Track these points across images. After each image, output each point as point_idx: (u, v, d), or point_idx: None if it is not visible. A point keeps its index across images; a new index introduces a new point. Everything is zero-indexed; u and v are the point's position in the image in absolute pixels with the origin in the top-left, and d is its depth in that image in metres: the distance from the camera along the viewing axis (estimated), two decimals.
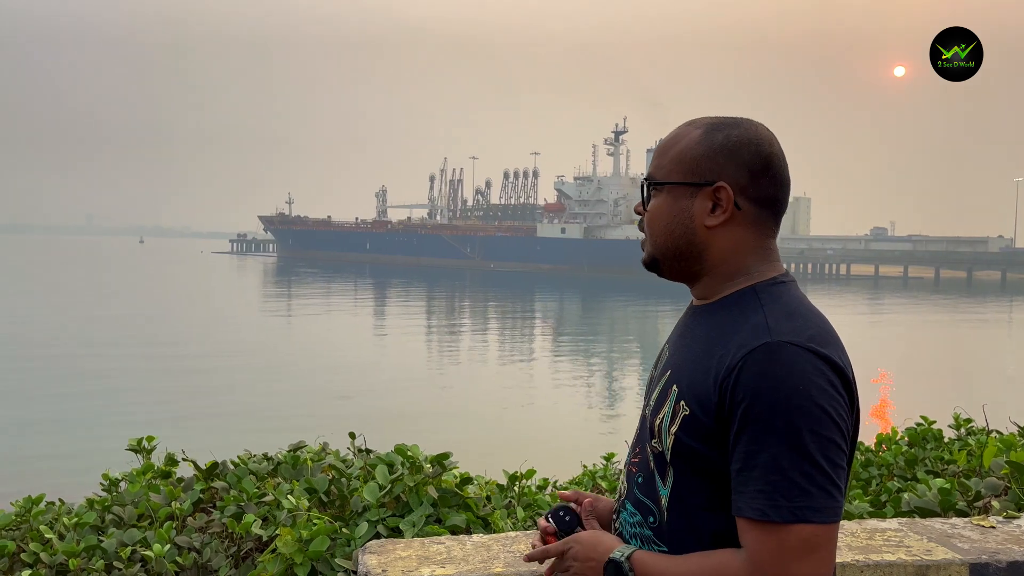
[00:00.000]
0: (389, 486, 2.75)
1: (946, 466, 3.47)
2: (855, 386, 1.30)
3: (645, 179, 1.45)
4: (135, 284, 64.68)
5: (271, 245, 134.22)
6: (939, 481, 3.02)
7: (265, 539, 2.74)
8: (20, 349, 27.68)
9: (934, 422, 3.88)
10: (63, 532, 2.97)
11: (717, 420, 1.26)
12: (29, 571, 2.74)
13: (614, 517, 1.48)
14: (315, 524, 2.54)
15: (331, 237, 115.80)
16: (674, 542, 1.33)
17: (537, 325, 44.58)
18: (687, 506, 1.32)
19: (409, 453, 2.91)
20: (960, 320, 48.08)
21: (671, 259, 1.41)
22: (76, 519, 3.00)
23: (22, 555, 2.88)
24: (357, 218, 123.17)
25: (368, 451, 3.41)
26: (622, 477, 1.49)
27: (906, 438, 3.81)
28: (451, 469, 2.90)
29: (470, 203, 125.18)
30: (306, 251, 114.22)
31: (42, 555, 2.80)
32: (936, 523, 2.45)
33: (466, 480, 2.92)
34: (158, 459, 3.61)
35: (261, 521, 2.79)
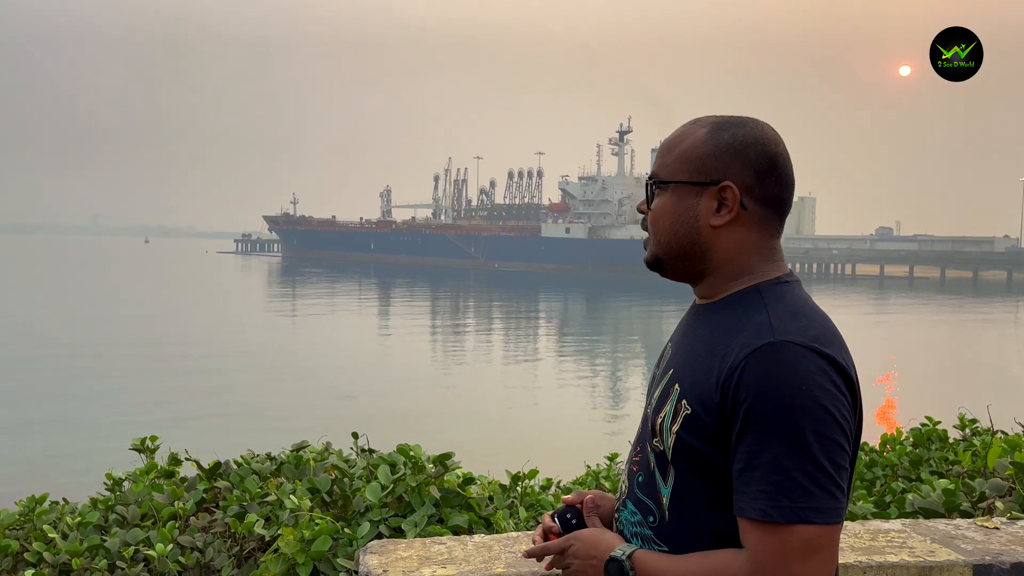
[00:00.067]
0: (391, 486, 2.75)
1: (951, 467, 3.45)
2: (858, 387, 1.29)
3: (649, 178, 1.43)
4: (140, 284, 64.83)
5: (276, 245, 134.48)
6: (943, 482, 3.01)
7: (268, 539, 2.74)
8: (24, 349, 27.77)
9: (939, 422, 3.87)
10: (66, 531, 2.98)
11: (719, 420, 1.26)
12: (32, 570, 2.75)
13: (615, 516, 1.48)
14: (317, 524, 2.54)
15: (335, 237, 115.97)
16: (675, 542, 1.33)
17: (541, 325, 44.58)
18: (688, 505, 1.32)
19: (412, 453, 2.91)
20: (966, 320, 47.96)
21: (675, 258, 1.40)
22: (79, 518, 3.00)
23: (25, 554, 2.89)
24: (361, 218, 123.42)
25: (371, 451, 3.41)
26: (623, 476, 1.49)
27: (911, 439, 3.80)
28: (454, 469, 2.90)
29: (474, 203, 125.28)
30: (311, 251, 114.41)
31: (45, 554, 2.80)
32: (940, 524, 2.44)
33: (468, 480, 2.92)
34: (161, 459, 3.62)
35: (264, 521, 2.79)
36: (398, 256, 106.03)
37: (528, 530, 2.68)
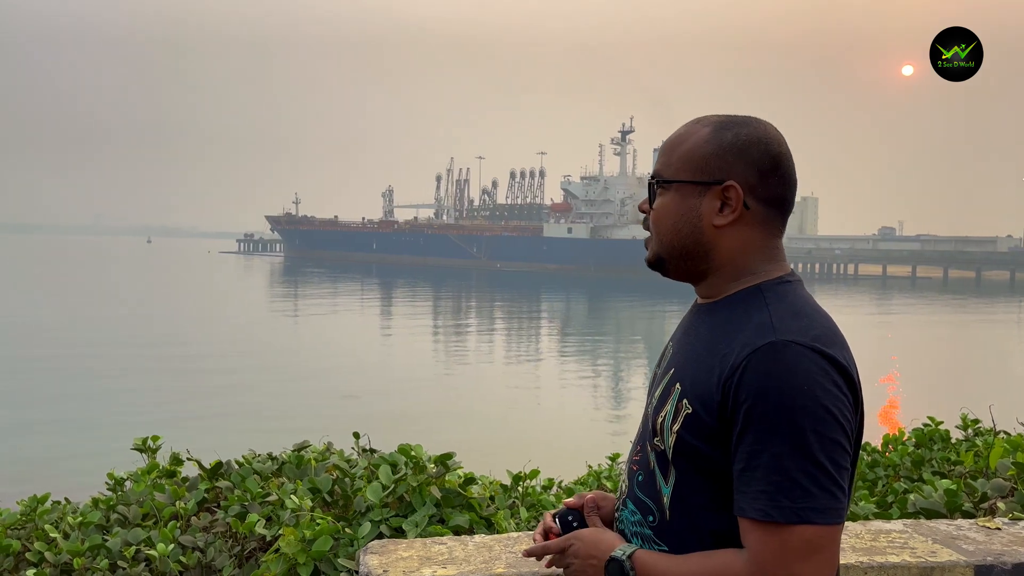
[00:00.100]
0: (392, 486, 2.75)
1: (953, 467, 3.45)
2: (860, 387, 1.29)
3: (652, 177, 1.43)
4: (142, 284, 64.91)
5: (278, 245, 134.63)
6: (945, 482, 3.00)
7: (269, 539, 2.74)
8: (26, 349, 27.81)
9: (941, 423, 3.86)
10: (68, 531, 2.98)
11: (720, 419, 1.25)
12: (34, 570, 2.75)
13: (616, 515, 1.47)
14: (318, 524, 2.54)
15: (338, 237, 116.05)
16: (675, 541, 1.33)
17: (543, 325, 44.58)
18: (688, 505, 1.31)
19: (413, 453, 2.91)
20: (969, 320, 47.89)
21: (677, 258, 1.39)
22: (81, 518, 3.00)
23: (27, 554, 2.89)
24: (364, 218, 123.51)
25: (372, 451, 3.41)
26: (623, 475, 1.49)
27: (913, 439, 3.79)
28: (455, 469, 2.90)
29: (476, 203, 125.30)
30: (313, 251, 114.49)
31: (47, 554, 2.80)
32: (941, 524, 2.43)
33: (470, 480, 2.92)
34: (163, 458, 3.62)
35: (265, 521, 2.79)
36: (400, 256, 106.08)
37: (529, 530, 2.67)
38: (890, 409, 19.27)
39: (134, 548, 2.77)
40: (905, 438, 3.85)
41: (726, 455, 1.26)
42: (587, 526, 1.46)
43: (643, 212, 1.45)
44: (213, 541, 2.79)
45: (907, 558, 2.12)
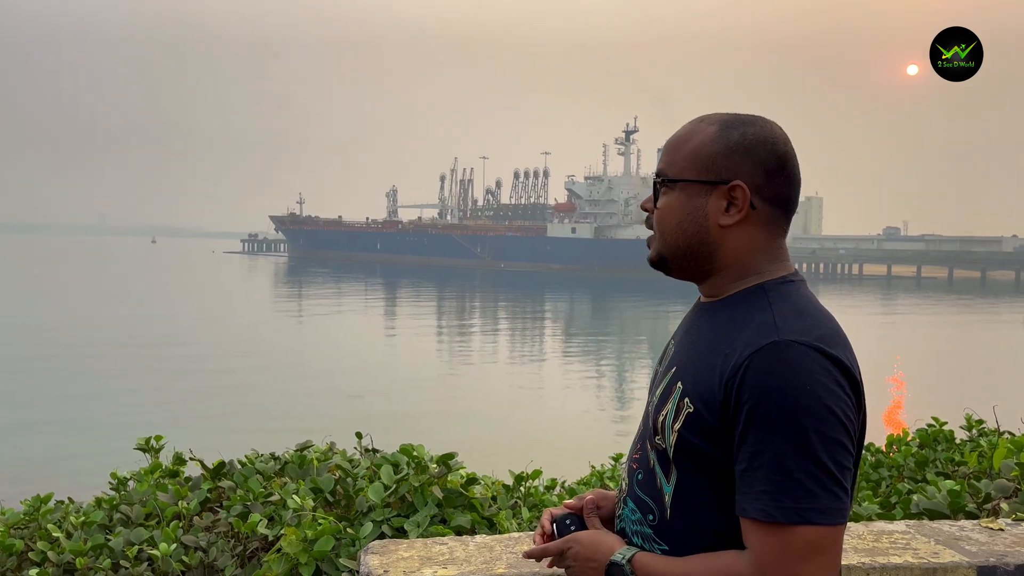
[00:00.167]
0: (394, 486, 2.75)
1: (956, 467, 3.44)
2: (862, 387, 1.28)
3: (657, 176, 1.41)
4: (147, 284, 65.05)
5: (282, 245, 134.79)
6: (949, 483, 2.99)
7: (271, 539, 2.74)
8: (30, 349, 27.89)
9: (945, 423, 3.85)
10: (71, 531, 2.99)
11: (722, 419, 1.25)
12: (37, 570, 2.76)
13: (616, 513, 1.47)
14: (320, 524, 2.54)
15: (342, 237, 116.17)
16: (676, 541, 1.32)
17: (547, 325, 44.57)
18: (689, 504, 1.31)
19: (415, 453, 2.91)
20: (974, 320, 47.77)
21: (681, 257, 1.38)
22: (84, 518, 3.01)
23: (30, 554, 2.90)
24: (368, 218, 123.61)
25: (375, 451, 3.41)
26: (623, 473, 1.48)
27: (917, 439, 3.78)
28: (457, 469, 2.90)
29: (480, 203, 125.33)
30: (317, 251, 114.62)
31: (50, 554, 2.81)
32: (944, 525, 2.43)
33: (472, 480, 2.92)
34: (166, 458, 3.63)
35: (267, 521, 2.79)
36: (404, 256, 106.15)
37: (531, 531, 2.67)
38: (894, 409, 19.23)
39: (136, 548, 2.77)
40: (909, 439, 3.84)
41: (728, 454, 1.25)
42: (587, 528, 1.46)
43: (646, 211, 1.44)
44: (215, 541, 2.79)
45: (909, 559, 2.11)
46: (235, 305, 47.77)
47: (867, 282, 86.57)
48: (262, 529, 2.71)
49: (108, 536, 2.89)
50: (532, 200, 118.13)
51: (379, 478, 2.80)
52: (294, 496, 2.74)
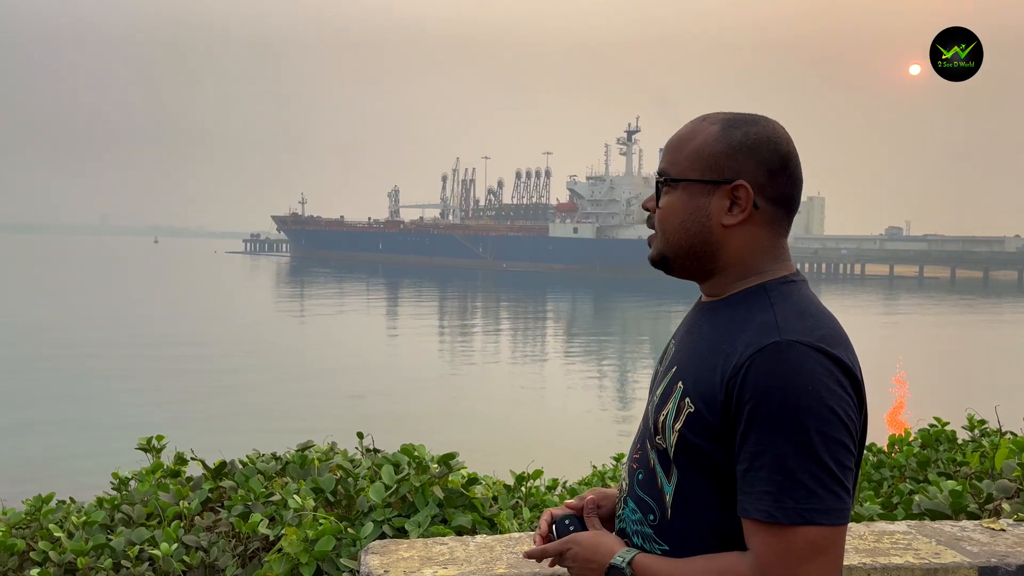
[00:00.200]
0: (395, 486, 2.75)
1: (958, 468, 3.43)
2: (864, 388, 1.28)
3: (659, 175, 1.40)
4: (149, 284, 65.12)
5: (284, 245, 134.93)
6: (950, 483, 2.99)
7: (272, 539, 2.74)
8: (33, 349, 27.92)
9: (947, 423, 3.85)
10: (72, 531, 2.99)
11: (723, 419, 1.24)
12: (38, 569, 2.76)
13: (617, 513, 1.47)
14: (321, 524, 2.54)
15: (344, 237, 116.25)
16: (677, 541, 1.32)
17: (549, 325, 44.57)
18: (690, 504, 1.30)
19: (416, 453, 2.91)
20: (976, 321, 47.71)
21: (684, 257, 1.38)
22: (85, 518, 3.01)
23: (31, 553, 2.90)
24: (370, 218, 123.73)
25: (376, 451, 3.41)
26: (624, 473, 1.48)
27: (919, 440, 3.77)
28: (458, 469, 2.90)
29: (482, 203, 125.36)
30: (319, 251, 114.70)
31: (51, 553, 2.81)
32: (946, 526, 2.42)
33: (473, 480, 2.92)
34: (168, 458, 3.63)
35: (268, 521, 2.79)
36: (406, 256, 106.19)
37: (532, 531, 2.67)
38: (897, 409, 19.21)
39: (138, 548, 2.77)
40: (911, 439, 3.83)
41: (729, 454, 1.25)
42: (586, 528, 1.46)
43: (647, 210, 1.44)
44: (216, 541, 2.79)
45: (911, 559, 2.11)
46: (237, 305, 47.81)
47: (869, 282, 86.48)
48: (263, 529, 2.71)
49: (109, 536, 2.89)
50: (534, 200, 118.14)
51: (380, 478, 2.80)
52: (295, 496, 2.74)
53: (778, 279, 1.34)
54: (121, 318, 38.31)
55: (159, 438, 3.72)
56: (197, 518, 2.98)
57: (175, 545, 2.72)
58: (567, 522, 1.45)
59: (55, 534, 2.93)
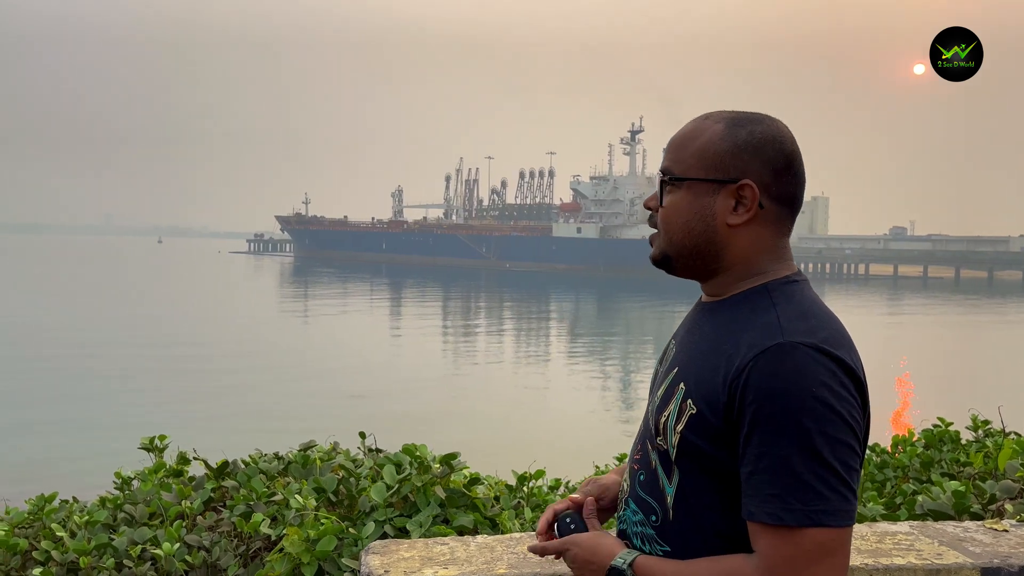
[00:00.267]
0: (396, 486, 2.75)
1: (962, 468, 3.42)
2: (867, 389, 1.28)
3: (663, 173, 1.39)
4: (152, 284, 65.23)
5: (288, 245, 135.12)
6: (953, 484, 2.98)
7: (274, 538, 2.74)
8: (35, 349, 27.99)
9: (951, 424, 3.83)
10: (75, 530, 2.99)
11: (726, 420, 1.24)
12: (41, 569, 2.77)
13: (618, 513, 1.46)
14: (323, 524, 2.54)
15: (347, 237, 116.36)
16: (678, 542, 1.31)
17: (553, 325, 44.56)
18: (692, 505, 1.30)
19: (417, 453, 2.91)
20: (981, 321, 47.60)
21: (687, 256, 1.37)
22: (87, 517, 3.02)
23: (34, 553, 2.90)
24: (373, 218, 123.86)
25: (378, 451, 3.41)
26: (625, 474, 1.47)
27: (922, 440, 3.76)
28: (460, 469, 2.89)
29: (486, 203, 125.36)
30: (322, 251, 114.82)
31: (53, 553, 2.82)
32: (948, 526, 2.42)
33: (474, 480, 2.92)
34: (170, 458, 3.63)
35: (270, 520, 2.79)
36: (410, 256, 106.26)
37: (533, 531, 2.67)
38: (900, 410, 19.17)
39: (140, 547, 2.77)
40: (915, 439, 3.82)
41: (731, 455, 1.24)
42: (587, 529, 1.45)
43: (649, 209, 1.42)
44: (218, 540, 2.79)
45: (913, 560, 2.10)
46: (240, 305, 47.87)
47: (873, 282, 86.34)
48: (265, 529, 2.71)
49: (112, 535, 2.90)
50: (537, 200, 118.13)
51: (382, 478, 2.80)
52: (297, 496, 2.74)
53: (780, 279, 1.33)
54: (124, 318, 38.38)
55: (162, 438, 3.72)
56: (199, 518, 2.98)
57: (177, 545, 2.72)
58: (568, 521, 1.45)
59: (58, 533, 2.93)
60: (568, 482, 3.87)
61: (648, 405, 1.43)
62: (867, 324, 40.12)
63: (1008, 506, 2.79)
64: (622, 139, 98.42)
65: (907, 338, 38.28)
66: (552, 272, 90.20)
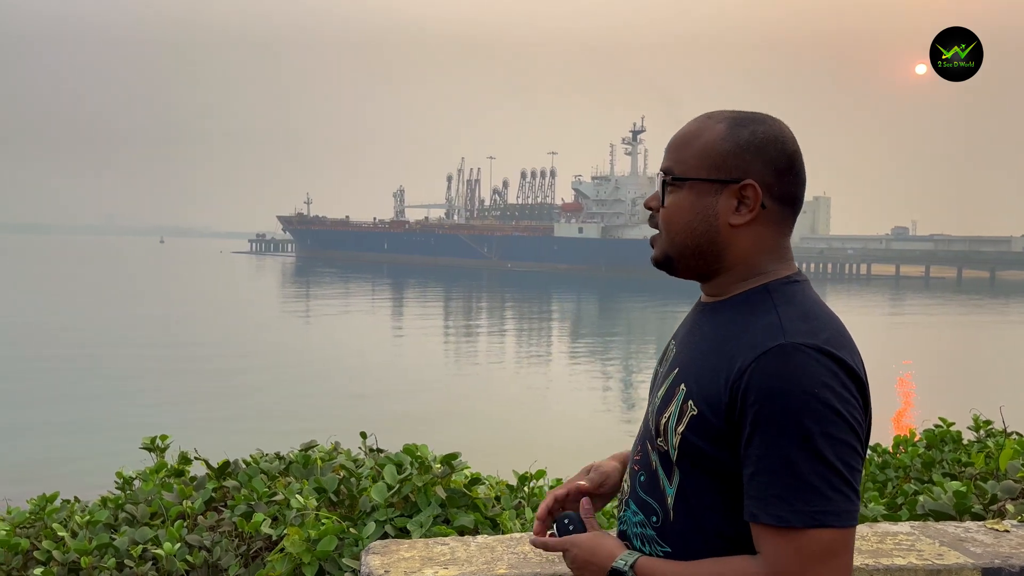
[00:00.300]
0: (397, 486, 2.75)
1: (963, 468, 3.42)
2: (868, 390, 1.28)
3: (665, 173, 1.38)
4: (155, 284, 65.28)
5: (290, 245, 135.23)
6: (955, 484, 2.98)
7: (275, 538, 2.74)
8: (37, 349, 28.01)
9: (953, 424, 3.83)
10: (76, 530, 3.00)
11: (727, 421, 1.23)
12: (42, 569, 2.77)
13: (618, 515, 1.46)
14: (323, 524, 2.55)
15: (349, 237, 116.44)
16: (679, 543, 1.31)
17: (554, 325, 44.55)
18: (693, 507, 1.30)
19: (418, 453, 2.91)
20: (983, 321, 47.55)
21: (689, 257, 1.36)
22: (89, 517, 3.02)
23: (35, 553, 2.91)
24: (375, 218, 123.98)
25: (379, 451, 3.41)
26: (626, 475, 1.47)
27: (924, 440, 3.76)
28: (461, 469, 2.89)
29: (487, 203, 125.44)
30: (324, 251, 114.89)
31: (55, 553, 2.82)
32: (950, 527, 2.41)
33: (475, 480, 2.92)
34: (172, 458, 3.64)
35: (271, 520, 2.80)
36: (411, 256, 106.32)
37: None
38: (902, 410, 19.16)
39: (141, 547, 2.78)
40: (916, 439, 3.82)
41: (733, 456, 1.24)
42: (586, 529, 1.45)
43: (650, 209, 1.41)
44: (219, 540, 2.80)
45: (913, 560, 2.10)
46: (242, 305, 47.89)
47: (875, 282, 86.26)
48: (266, 529, 2.71)
49: (113, 535, 2.90)
50: (539, 200, 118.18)
51: (383, 478, 2.80)
52: (298, 496, 2.74)
53: (781, 280, 1.33)
54: (125, 318, 38.41)
55: (163, 438, 3.72)
56: (200, 517, 2.98)
57: (178, 544, 2.72)
58: (566, 521, 1.44)
59: (59, 533, 2.93)
60: None
61: (648, 406, 1.43)
62: (869, 324, 40.09)
63: (1009, 506, 2.78)
64: (623, 139, 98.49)
65: (909, 338, 38.24)
66: (554, 272, 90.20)
